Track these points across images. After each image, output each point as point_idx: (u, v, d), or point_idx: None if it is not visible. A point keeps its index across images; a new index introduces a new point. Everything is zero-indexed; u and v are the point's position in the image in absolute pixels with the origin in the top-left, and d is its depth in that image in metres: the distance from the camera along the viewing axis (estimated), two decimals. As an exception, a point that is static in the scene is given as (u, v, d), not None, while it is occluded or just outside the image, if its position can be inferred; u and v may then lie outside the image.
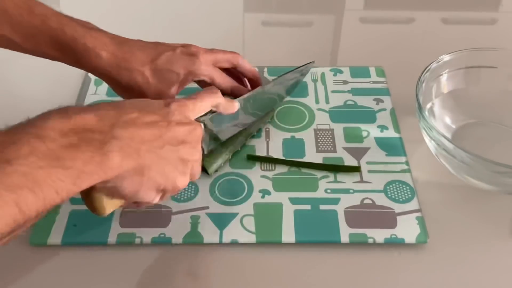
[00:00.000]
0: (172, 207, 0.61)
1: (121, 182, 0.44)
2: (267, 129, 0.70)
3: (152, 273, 0.56)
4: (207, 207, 0.61)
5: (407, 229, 0.58)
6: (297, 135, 0.70)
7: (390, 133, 0.70)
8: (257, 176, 0.64)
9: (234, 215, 0.60)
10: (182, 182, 0.50)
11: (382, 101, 0.74)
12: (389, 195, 0.62)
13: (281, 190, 0.63)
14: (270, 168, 0.66)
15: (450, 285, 0.55)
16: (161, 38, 0.64)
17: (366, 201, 0.61)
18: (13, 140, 0.38)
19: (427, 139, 0.63)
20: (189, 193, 0.62)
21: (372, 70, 0.79)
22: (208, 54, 0.63)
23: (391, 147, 0.68)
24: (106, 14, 0.92)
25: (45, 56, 0.59)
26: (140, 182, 0.46)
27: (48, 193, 0.38)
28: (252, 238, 0.58)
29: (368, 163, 0.66)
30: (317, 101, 0.74)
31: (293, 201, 0.62)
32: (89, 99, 0.74)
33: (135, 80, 0.60)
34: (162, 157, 0.47)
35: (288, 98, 0.75)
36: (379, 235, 0.58)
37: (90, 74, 0.78)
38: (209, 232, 0.58)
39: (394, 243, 0.58)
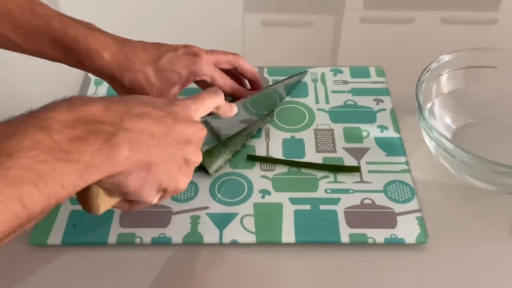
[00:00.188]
0: (172, 207, 0.61)
1: (126, 177, 0.43)
2: (267, 129, 0.70)
3: (152, 273, 0.56)
4: (207, 207, 0.61)
5: (407, 229, 0.58)
6: (297, 135, 0.70)
7: (390, 133, 0.70)
8: (257, 176, 0.64)
9: (234, 215, 0.60)
10: (184, 183, 0.50)
11: (382, 101, 0.74)
12: (389, 195, 0.62)
13: (281, 190, 0.63)
14: (270, 168, 0.66)
15: (450, 285, 0.55)
16: (161, 38, 0.64)
17: (366, 201, 0.61)
18: (15, 132, 0.36)
19: (427, 139, 0.63)
20: (189, 193, 0.63)
21: (372, 70, 0.79)
22: (209, 55, 0.63)
23: (391, 147, 0.68)
24: (106, 15, 0.92)
25: (47, 57, 0.59)
26: (145, 178, 0.44)
27: (53, 188, 0.36)
28: (252, 238, 0.58)
29: (368, 163, 0.66)
30: (317, 101, 0.74)
31: (293, 201, 0.62)
32: (89, 99, 0.74)
33: (138, 80, 0.60)
34: (169, 155, 0.46)
35: (288, 98, 0.75)
36: (379, 235, 0.58)
37: (90, 74, 0.78)
38: (209, 232, 0.59)
39: (394, 243, 0.58)
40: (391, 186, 0.63)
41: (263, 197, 0.62)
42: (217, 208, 0.61)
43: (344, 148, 0.68)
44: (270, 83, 0.77)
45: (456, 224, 0.60)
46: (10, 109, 0.76)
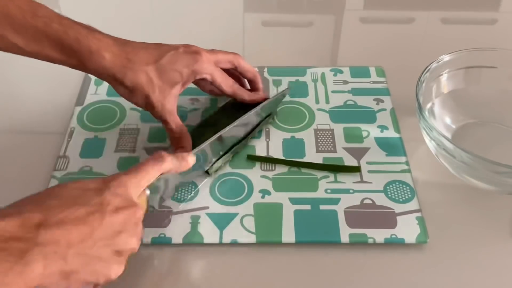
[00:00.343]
0: (172, 207, 0.61)
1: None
2: (267, 129, 0.70)
3: (152, 273, 0.56)
4: (207, 207, 0.61)
5: (407, 229, 0.58)
6: (297, 135, 0.70)
7: (390, 133, 0.70)
8: (257, 176, 0.64)
9: (234, 215, 0.60)
10: (118, 271, 0.46)
11: (382, 101, 0.74)
12: (389, 195, 0.62)
13: (281, 190, 0.63)
14: (270, 168, 0.66)
15: (450, 285, 0.55)
16: (162, 38, 0.64)
17: (366, 201, 0.61)
18: None
19: (427, 139, 0.63)
20: (189, 193, 0.63)
21: (372, 70, 0.79)
22: (209, 54, 0.63)
23: (391, 147, 0.68)
24: (106, 16, 0.92)
25: (48, 59, 0.59)
26: (67, 285, 0.43)
27: None
28: (252, 238, 0.58)
29: (368, 163, 0.66)
30: (317, 101, 0.74)
31: (293, 201, 0.62)
32: (89, 99, 0.75)
33: (139, 80, 0.60)
34: (93, 257, 0.44)
35: (288, 98, 0.75)
36: (379, 235, 0.58)
37: (90, 75, 0.78)
38: (209, 232, 0.59)
39: (394, 243, 0.58)
40: (391, 186, 0.63)
41: (263, 197, 0.62)
42: (217, 208, 0.61)
43: (344, 148, 0.68)
44: (270, 83, 0.77)
45: (456, 224, 0.60)
46: (10, 109, 0.77)
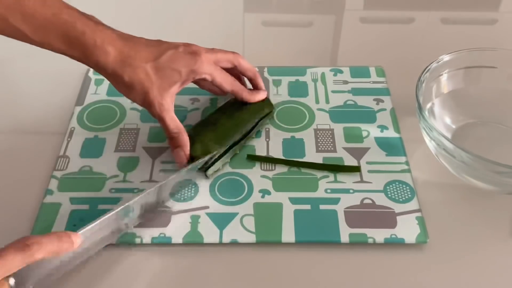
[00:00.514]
0: (172, 207, 0.61)
1: None
2: (267, 129, 0.70)
3: (152, 273, 0.56)
4: (207, 207, 0.61)
5: (407, 229, 0.58)
6: (297, 135, 0.70)
7: (390, 133, 0.70)
8: (257, 176, 0.64)
9: (234, 215, 0.60)
10: None
11: (382, 101, 0.74)
12: (389, 195, 0.62)
13: (281, 190, 0.63)
14: (270, 168, 0.66)
15: (450, 285, 0.55)
16: (162, 37, 0.64)
17: (366, 201, 0.61)
18: None
19: (427, 139, 0.63)
20: (189, 193, 0.63)
21: (372, 70, 0.79)
22: (209, 53, 0.63)
23: (391, 147, 0.68)
24: (106, 14, 0.92)
25: (51, 48, 0.59)
26: None
27: None
28: (252, 238, 0.58)
29: (368, 163, 0.66)
30: (317, 101, 0.74)
31: (293, 201, 0.62)
32: (89, 99, 0.75)
33: (138, 77, 0.60)
34: None
35: (288, 98, 0.75)
36: (379, 235, 0.58)
37: (90, 74, 0.78)
38: (209, 232, 0.59)
39: (394, 243, 0.58)
40: (391, 186, 0.63)
41: (263, 197, 0.62)
42: (217, 208, 0.61)
43: (344, 148, 0.68)
44: (270, 82, 0.77)
45: (456, 224, 0.60)
46: (10, 109, 0.77)
